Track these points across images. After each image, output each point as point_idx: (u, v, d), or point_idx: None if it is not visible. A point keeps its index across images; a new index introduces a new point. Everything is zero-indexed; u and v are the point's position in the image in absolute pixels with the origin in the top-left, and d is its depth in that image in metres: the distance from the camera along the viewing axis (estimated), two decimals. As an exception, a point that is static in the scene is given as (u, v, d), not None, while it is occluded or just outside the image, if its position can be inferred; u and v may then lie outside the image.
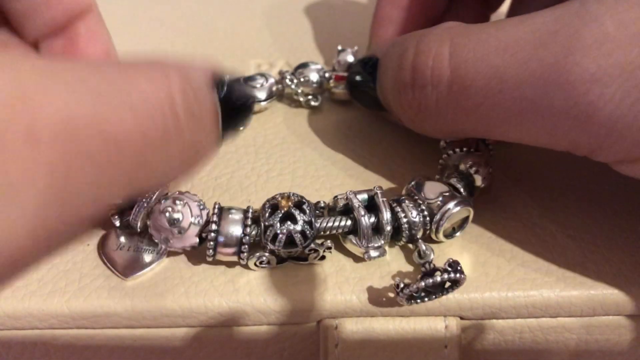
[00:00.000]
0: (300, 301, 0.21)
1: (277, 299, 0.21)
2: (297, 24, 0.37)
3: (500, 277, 0.21)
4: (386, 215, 0.21)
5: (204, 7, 0.39)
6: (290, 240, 0.21)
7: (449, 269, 0.20)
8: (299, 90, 0.29)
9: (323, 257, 0.22)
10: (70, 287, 0.21)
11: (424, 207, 0.22)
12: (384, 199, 0.22)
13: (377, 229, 0.21)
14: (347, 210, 0.22)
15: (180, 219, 0.20)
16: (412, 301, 0.20)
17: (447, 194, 0.22)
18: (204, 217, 0.21)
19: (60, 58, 0.15)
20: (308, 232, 0.21)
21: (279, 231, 0.20)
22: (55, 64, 0.14)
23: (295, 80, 0.29)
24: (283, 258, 0.21)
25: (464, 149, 0.23)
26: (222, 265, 0.22)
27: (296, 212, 0.21)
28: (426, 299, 0.20)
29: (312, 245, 0.21)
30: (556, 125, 0.18)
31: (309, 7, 0.39)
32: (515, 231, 0.23)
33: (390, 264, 0.22)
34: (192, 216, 0.20)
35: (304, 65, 0.30)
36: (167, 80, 0.17)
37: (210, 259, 0.21)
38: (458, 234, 0.22)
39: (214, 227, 0.20)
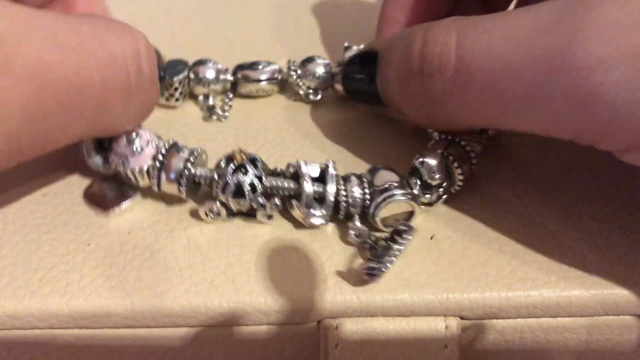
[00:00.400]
0: (300, 301, 0.21)
1: (277, 299, 0.21)
2: (300, 23, 0.37)
3: (500, 277, 0.21)
4: (331, 186, 0.22)
5: (205, 6, 0.39)
6: (239, 191, 0.22)
7: (402, 228, 0.21)
8: (301, 83, 0.29)
9: (271, 217, 0.23)
10: (71, 287, 0.21)
11: (367, 187, 0.22)
12: (334, 172, 0.22)
13: (322, 199, 0.22)
14: (297, 178, 0.23)
15: (138, 138, 0.22)
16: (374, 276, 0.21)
17: (395, 183, 0.22)
18: (159, 145, 0.23)
19: (40, 11, 0.17)
20: (257, 185, 0.22)
21: (229, 180, 0.22)
22: (34, 16, 0.17)
23: (298, 72, 0.29)
24: (233, 212, 0.23)
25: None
26: (223, 264, 0.22)
27: (248, 166, 0.22)
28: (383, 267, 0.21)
29: (260, 201, 0.22)
30: (560, 112, 0.18)
31: (313, 6, 0.39)
32: (515, 231, 0.23)
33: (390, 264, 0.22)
34: (148, 139, 0.23)
35: (310, 60, 0.30)
36: (134, 40, 0.20)
37: (156, 189, 0.23)
38: (400, 227, 0.22)
39: (160, 157, 0.22)
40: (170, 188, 0.23)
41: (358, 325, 0.21)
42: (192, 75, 0.29)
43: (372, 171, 0.23)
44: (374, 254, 0.21)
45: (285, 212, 0.23)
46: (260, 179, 0.22)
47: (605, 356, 0.23)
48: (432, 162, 0.23)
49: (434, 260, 0.22)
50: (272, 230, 0.23)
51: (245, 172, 0.22)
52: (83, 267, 0.21)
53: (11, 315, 0.20)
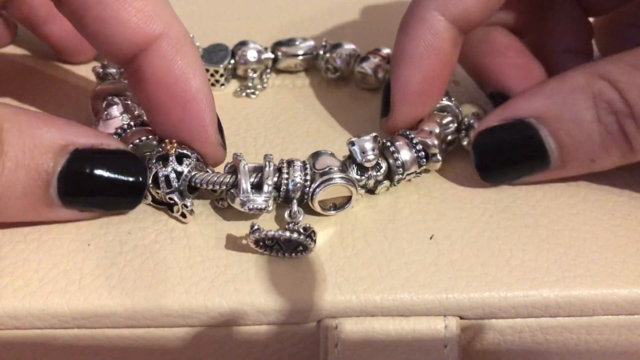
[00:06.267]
0: (300, 301, 0.21)
1: (277, 299, 0.21)
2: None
3: (500, 277, 0.21)
4: (268, 169, 0.22)
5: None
6: (156, 181, 0.22)
7: (303, 232, 0.21)
8: (327, 57, 0.31)
9: (184, 215, 0.23)
10: (71, 287, 0.21)
11: (308, 173, 0.23)
12: (271, 161, 0.23)
13: (259, 186, 0.22)
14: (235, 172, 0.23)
15: (112, 108, 0.24)
16: (260, 247, 0.22)
17: (334, 168, 0.23)
18: (131, 122, 0.24)
19: None
20: (173, 180, 0.22)
21: (152, 167, 0.22)
22: None
23: (328, 50, 0.31)
24: (155, 198, 0.23)
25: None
26: (223, 264, 0.22)
27: (171, 159, 0.22)
28: (272, 253, 0.22)
29: (175, 198, 0.22)
30: None
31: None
32: (515, 231, 0.23)
33: (390, 264, 0.22)
34: (121, 114, 0.25)
35: (339, 45, 0.31)
36: None
37: None
38: (335, 212, 0.23)
39: (119, 131, 0.24)
40: None
41: (358, 325, 0.21)
42: (236, 58, 0.31)
43: (315, 155, 0.23)
44: (277, 234, 0.21)
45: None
46: (179, 174, 0.22)
47: (604, 356, 0.23)
48: (363, 144, 0.23)
49: (433, 260, 0.22)
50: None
51: (166, 165, 0.22)
52: (83, 267, 0.21)
53: (11, 315, 0.20)
